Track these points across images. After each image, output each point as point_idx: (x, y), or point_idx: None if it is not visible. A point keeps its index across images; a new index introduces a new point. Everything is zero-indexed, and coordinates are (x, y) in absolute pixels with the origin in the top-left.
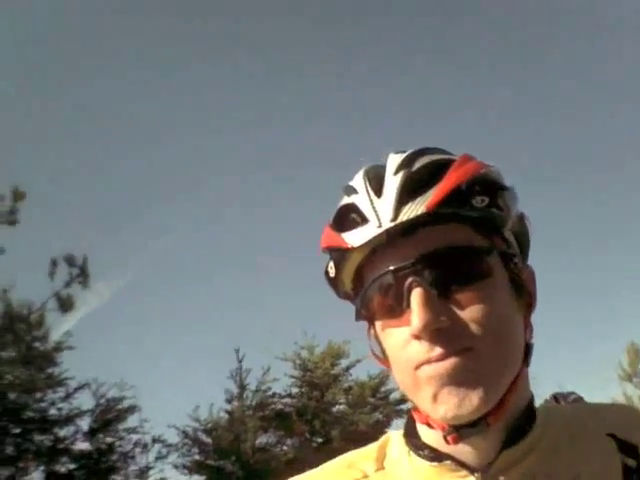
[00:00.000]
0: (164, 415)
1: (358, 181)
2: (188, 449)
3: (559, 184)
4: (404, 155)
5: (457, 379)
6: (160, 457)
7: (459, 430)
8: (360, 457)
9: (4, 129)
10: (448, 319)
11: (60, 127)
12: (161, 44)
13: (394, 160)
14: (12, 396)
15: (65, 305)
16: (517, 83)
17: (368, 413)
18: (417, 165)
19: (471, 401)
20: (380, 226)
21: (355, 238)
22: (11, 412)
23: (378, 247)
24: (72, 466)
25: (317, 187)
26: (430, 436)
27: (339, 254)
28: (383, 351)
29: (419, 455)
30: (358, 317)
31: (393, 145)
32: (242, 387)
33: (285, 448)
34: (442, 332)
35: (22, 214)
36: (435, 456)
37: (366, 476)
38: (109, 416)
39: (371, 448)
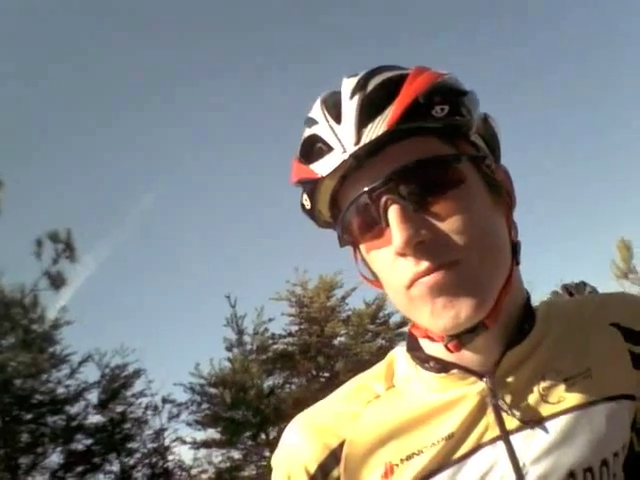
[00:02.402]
0: (170, 375)
1: (316, 111)
2: (198, 405)
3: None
4: (357, 77)
5: (449, 291)
6: (172, 417)
7: (459, 337)
8: (370, 378)
9: None
10: (429, 232)
11: (29, 104)
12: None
13: (348, 84)
14: (18, 382)
15: (56, 282)
16: None
17: (370, 341)
18: (371, 85)
19: (466, 310)
20: (345, 151)
21: (323, 167)
22: (20, 399)
23: (348, 172)
24: (88, 442)
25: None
26: (433, 348)
27: (311, 185)
28: (373, 273)
29: (425, 368)
30: (342, 243)
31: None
32: (240, 332)
33: (293, 388)
34: (425, 245)
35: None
36: (441, 367)
37: (378, 396)
38: (116, 384)
39: (379, 368)
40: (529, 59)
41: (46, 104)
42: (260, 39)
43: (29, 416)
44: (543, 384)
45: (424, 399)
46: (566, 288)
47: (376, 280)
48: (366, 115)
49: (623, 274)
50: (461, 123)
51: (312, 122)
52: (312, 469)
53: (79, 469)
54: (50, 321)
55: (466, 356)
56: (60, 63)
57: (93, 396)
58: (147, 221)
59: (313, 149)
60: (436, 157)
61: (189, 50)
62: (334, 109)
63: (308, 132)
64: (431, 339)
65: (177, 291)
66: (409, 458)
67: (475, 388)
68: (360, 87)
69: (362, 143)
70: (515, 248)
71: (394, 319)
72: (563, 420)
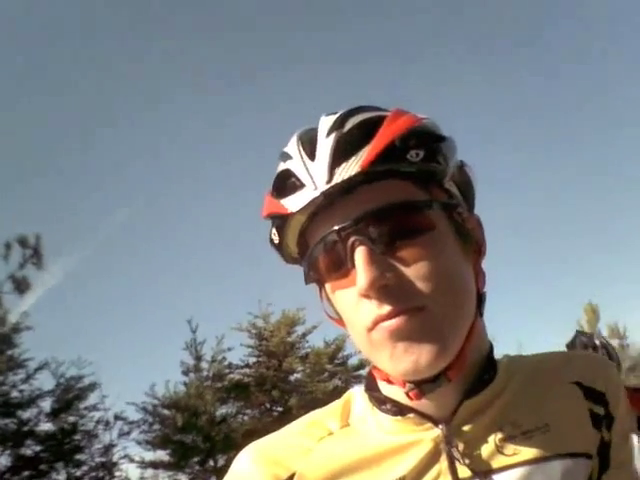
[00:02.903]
0: (124, 392)
1: (292, 146)
2: (150, 425)
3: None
4: (335, 116)
5: (410, 336)
6: (122, 434)
7: (420, 386)
8: (325, 415)
9: None
10: (394, 276)
11: (10, 107)
12: None
13: (326, 122)
14: None
15: (21, 286)
16: None
17: (326, 380)
18: (349, 125)
19: (427, 357)
20: (316, 189)
21: (293, 203)
22: None
23: (319, 210)
24: (38, 448)
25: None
26: (391, 390)
27: (280, 220)
28: (337, 312)
29: (382, 410)
30: (307, 280)
31: None
32: (198, 358)
33: (245, 418)
34: (390, 289)
35: None
36: (398, 410)
37: (331, 433)
38: (70, 395)
39: (335, 406)
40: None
41: (28, 108)
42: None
43: None
44: (499, 435)
45: (378, 440)
46: (579, 333)
47: (340, 319)
48: (340, 154)
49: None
50: (436, 170)
51: (286, 157)
52: None
53: (26, 474)
54: (11, 324)
55: (424, 402)
56: (42, 69)
57: (46, 404)
58: (118, 236)
59: (285, 184)
60: (408, 202)
61: (169, 64)
62: (309, 146)
63: (282, 167)
64: (390, 382)
65: (140, 310)
66: None
67: (430, 434)
68: (337, 126)
69: (334, 182)
70: (481, 298)
71: (352, 361)
72: (516, 473)
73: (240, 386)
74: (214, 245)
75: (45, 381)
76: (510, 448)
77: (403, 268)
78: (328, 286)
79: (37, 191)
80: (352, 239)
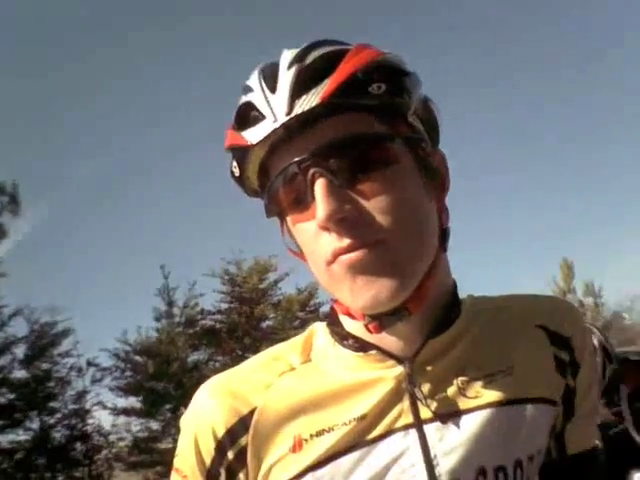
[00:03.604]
0: (97, 339)
1: (253, 79)
2: (122, 371)
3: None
4: (297, 50)
5: (370, 270)
6: (95, 380)
7: (380, 318)
8: (286, 350)
9: None
10: (354, 208)
11: None
12: None
13: (287, 55)
14: None
15: None
16: None
17: (298, 328)
18: (310, 58)
19: (387, 291)
20: (275, 121)
21: (253, 135)
22: None
23: (279, 142)
24: (11, 396)
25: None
26: (354, 326)
27: (240, 152)
28: (298, 246)
29: (344, 345)
30: (268, 213)
31: None
32: (170, 304)
33: (217, 365)
34: (349, 222)
35: None
36: (360, 346)
37: (293, 368)
38: (44, 341)
39: (297, 340)
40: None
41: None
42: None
43: None
44: (462, 377)
45: (339, 377)
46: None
47: (301, 253)
48: (301, 86)
49: (562, 293)
50: (398, 103)
51: (248, 90)
52: (220, 433)
53: (0, 423)
54: None
55: (386, 339)
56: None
57: (20, 351)
58: (92, 184)
59: (246, 117)
60: (370, 134)
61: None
62: (270, 79)
63: (243, 99)
64: (352, 317)
65: (113, 257)
66: (319, 434)
67: (392, 372)
68: (298, 59)
69: (294, 114)
70: (444, 234)
71: (324, 308)
72: (478, 415)
73: (212, 332)
74: (188, 191)
75: (19, 328)
76: (473, 390)
77: (363, 201)
78: (289, 219)
79: (11, 138)
80: (312, 171)
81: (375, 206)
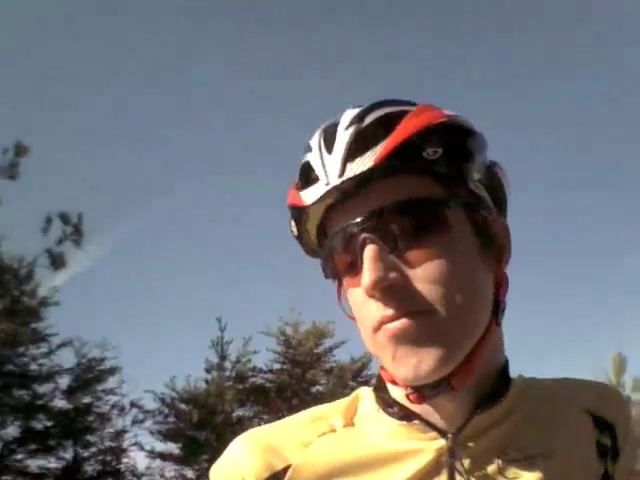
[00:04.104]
0: (143, 380)
1: (314, 138)
2: (164, 416)
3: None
4: (358, 109)
5: (412, 339)
6: (136, 421)
7: (421, 390)
8: (329, 411)
9: (8, 84)
10: (401, 277)
11: (63, 84)
12: None
13: (348, 115)
14: None
15: (56, 262)
16: None
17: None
18: (369, 119)
19: (428, 363)
20: (328, 183)
21: (309, 196)
22: None
23: (335, 204)
24: (48, 423)
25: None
26: (399, 394)
27: (297, 212)
28: (352, 310)
29: (388, 412)
30: (325, 274)
31: None
32: (222, 357)
33: (261, 423)
34: (395, 290)
35: (22, 169)
36: (404, 415)
37: (334, 430)
38: (89, 376)
39: (341, 403)
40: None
41: (79, 79)
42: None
43: None
44: (503, 457)
45: (380, 444)
46: None
47: (354, 317)
48: (356, 149)
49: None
50: (455, 168)
51: (308, 149)
52: None
53: (32, 447)
54: (40, 298)
55: (430, 411)
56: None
57: (64, 381)
58: (156, 224)
59: (305, 176)
60: (422, 199)
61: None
62: (329, 139)
63: (304, 159)
64: (396, 384)
65: (170, 302)
66: None
67: (434, 444)
68: (357, 120)
69: (345, 177)
70: (498, 306)
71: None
72: None
73: (261, 390)
74: (256, 245)
75: (66, 359)
76: (512, 471)
77: (412, 269)
78: (344, 283)
79: (82, 170)
80: (362, 236)
81: (424, 275)
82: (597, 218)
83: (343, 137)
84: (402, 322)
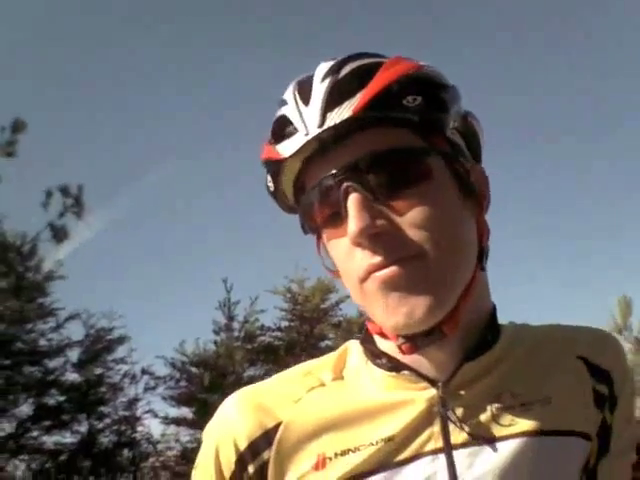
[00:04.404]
0: (153, 347)
1: (288, 92)
2: (176, 381)
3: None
4: (332, 62)
5: (404, 286)
6: (148, 388)
7: (413, 339)
8: (319, 365)
9: (4, 61)
10: (387, 223)
11: (59, 60)
12: None
13: (322, 68)
14: (2, 327)
15: (59, 235)
16: None
17: None
18: (344, 71)
19: (421, 309)
20: (307, 134)
21: (286, 148)
22: (1, 344)
23: (313, 156)
24: (61, 398)
25: None
26: (387, 346)
27: (275, 166)
28: (333, 263)
29: (377, 364)
30: (304, 230)
31: None
32: (230, 318)
33: None
34: (382, 237)
35: (20, 146)
36: (393, 365)
37: (323, 384)
38: (98, 347)
39: (330, 357)
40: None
41: (74, 54)
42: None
43: (7, 362)
44: (497, 404)
45: (370, 396)
46: None
47: (336, 271)
48: (334, 99)
49: (618, 330)
50: (435, 117)
51: (283, 103)
52: (242, 445)
53: (47, 423)
54: (45, 272)
55: (420, 360)
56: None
57: (74, 354)
58: (157, 192)
59: (280, 130)
60: (404, 148)
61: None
62: (304, 91)
63: (278, 113)
64: (385, 337)
65: (175, 267)
66: (344, 453)
67: (425, 394)
68: (333, 71)
69: (325, 126)
70: (482, 252)
71: None
72: (511, 444)
73: (270, 349)
74: (258, 204)
75: (75, 332)
76: (507, 418)
77: (397, 216)
78: (324, 236)
79: (80, 141)
80: (344, 186)
81: (410, 222)
82: (600, 158)
83: (320, 89)
84: (392, 269)
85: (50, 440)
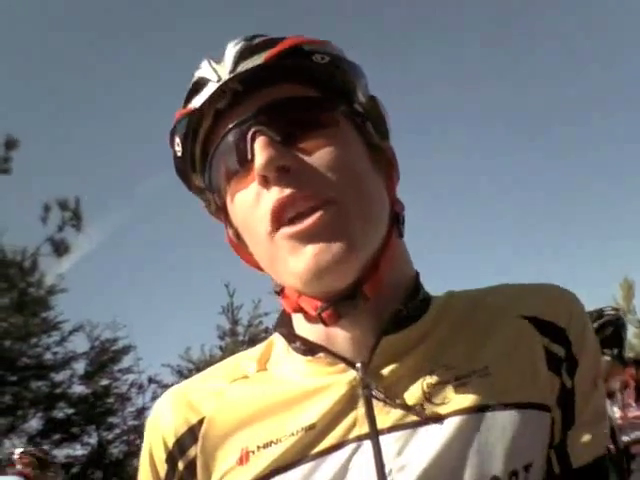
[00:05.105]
0: (159, 355)
1: (202, 63)
2: None
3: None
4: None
5: (318, 233)
6: (156, 397)
7: (334, 304)
8: (244, 357)
9: None
10: (296, 161)
11: (47, 74)
12: None
13: (233, 41)
14: (7, 344)
15: (59, 249)
16: None
17: None
18: (257, 39)
19: (331, 250)
20: (219, 79)
21: (198, 99)
22: (7, 361)
23: (224, 110)
24: (70, 411)
25: None
26: (304, 326)
27: (185, 124)
28: (240, 236)
29: (293, 348)
30: (210, 209)
31: None
32: (234, 322)
33: None
34: (292, 174)
35: (15, 162)
36: (307, 349)
37: (246, 376)
38: (104, 358)
39: (257, 348)
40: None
41: (68, 66)
42: None
43: (13, 378)
44: (428, 380)
45: (289, 384)
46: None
47: (239, 242)
48: (247, 53)
49: (622, 313)
50: (342, 79)
51: (196, 70)
52: (170, 443)
53: (57, 437)
54: (47, 287)
55: (338, 339)
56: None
57: (80, 367)
58: (155, 200)
59: (192, 91)
60: (312, 97)
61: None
62: (217, 56)
63: (191, 80)
64: (301, 310)
65: (176, 274)
66: (266, 446)
67: (345, 377)
68: (246, 39)
69: (237, 72)
70: (398, 219)
71: None
72: (446, 425)
73: None
74: None
75: (79, 344)
76: (440, 395)
77: (306, 157)
78: (229, 200)
79: (76, 154)
80: (252, 130)
81: (319, 162)
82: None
83: (232, 48)
84: (308, 221)
85: (61, 454)
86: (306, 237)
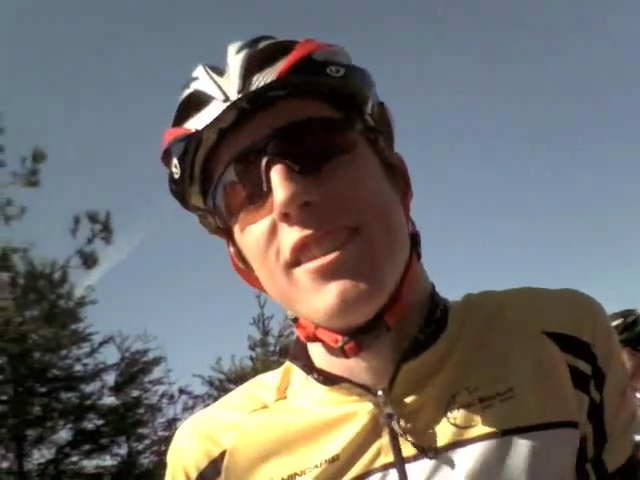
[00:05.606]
0: (190, 366)
1: (198, 70)
2: (215, 399)
3: None
4: (244, 41)
5: (342, 268)
6: (187, 408)
7: (356, 337)
8: (260, 386)
9: (24, 90)
10: (318, 193)
11: (77, 87)
12: None
13: (234, 45)
14: (37, 355)
15: (88, 261)
16: None
17: None
18: (262, 44)
19: (358, 287)
20: (227, 100)
21: (200, 120)
22: (37, 372)
23: (229, 128)
24: (99, 422)
25: None
26: (322, 357)
27: (183, 146)
28: (246, 262)
29: (314, 379)
30: (209, 227)
31: None
32: (265, 333)
33: None
34: (314, 208)
35: (43, 174)
36: (327, 379)
37: (265, 406)
38: (134, 369)
39: (274, 375)
40: None
41: (92, 81)
42: None
43: (43, 389)
44: (452, 404)
45: (311, 414)
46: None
47: (248, 270)
48: (254, 66)
49: None
50: (357, 91)
51: (191, 80)
52: (193, 476)
53: (86, 448)
54: (76, 298)
55: (357, 367)
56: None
57: (110, 378)
58: (185, 211)
59: (189, 107)
60: (329, 118)
61: None
62: (217, 67)
63: (185, 92)
64: (318, 339)
65: (207, 285)
66: (291, 479)
67: (366, 406)
68: (249, 45)
69: (247, 91)
70: (415, 239)
71: None
72: (475, 450)
73: None
74: None
75: (110, 355)
76: (465, 420)
77: (328, 188)
78: (237, 227)
79: (106, 167)
80: (266, 158)
81: (342, 193)
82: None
83: (236, 58)
84: (332, 256)
85: (90, 464)
86: (330, 273)
